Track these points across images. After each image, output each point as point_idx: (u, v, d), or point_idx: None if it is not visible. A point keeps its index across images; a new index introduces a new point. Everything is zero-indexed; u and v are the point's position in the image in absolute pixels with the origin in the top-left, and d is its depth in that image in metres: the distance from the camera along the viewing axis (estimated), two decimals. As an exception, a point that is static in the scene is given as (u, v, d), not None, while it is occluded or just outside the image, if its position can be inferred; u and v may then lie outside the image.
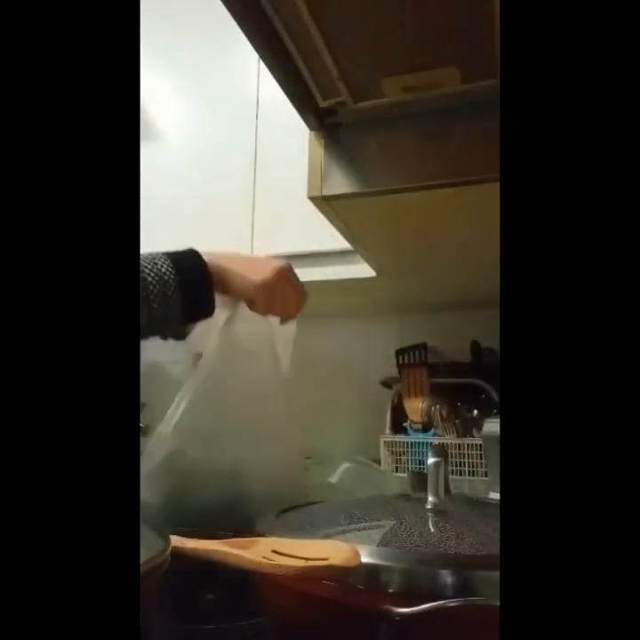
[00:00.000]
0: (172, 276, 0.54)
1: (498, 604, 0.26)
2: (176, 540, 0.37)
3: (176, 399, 0.61)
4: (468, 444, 1.22)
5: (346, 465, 0.92)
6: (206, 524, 0.58)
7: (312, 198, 0.81)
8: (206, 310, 0.58)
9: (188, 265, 0.56)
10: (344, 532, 0.45)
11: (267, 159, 1.45)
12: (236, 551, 0.37)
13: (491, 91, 0.66)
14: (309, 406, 1.61)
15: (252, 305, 0.62)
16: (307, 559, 0.35)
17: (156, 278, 0.53)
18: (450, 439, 1.25)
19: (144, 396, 0.52)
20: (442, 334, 1.58)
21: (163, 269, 0.53)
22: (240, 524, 0.59)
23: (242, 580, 0.43)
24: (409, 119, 0.75)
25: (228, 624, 0.50)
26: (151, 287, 0.52)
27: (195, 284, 0.56)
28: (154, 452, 0.59)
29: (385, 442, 1.34)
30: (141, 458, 0.58)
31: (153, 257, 0.54)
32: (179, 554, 0.37)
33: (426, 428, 1.31)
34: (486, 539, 0.42)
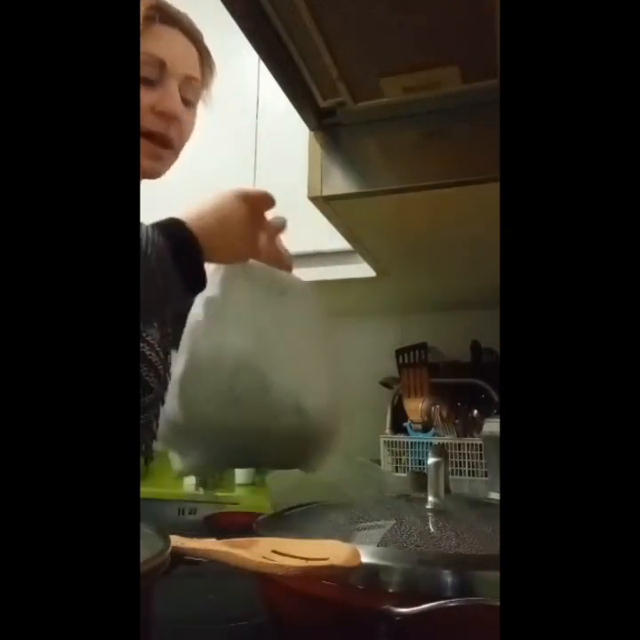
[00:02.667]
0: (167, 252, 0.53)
1: (498, 604, 0.26)
2: (176, 540, 0.37)
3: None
4: (467, 444, 1.22)
5: (346, 465, 0.92)
6: (268, 457, 0.59)
7: (312, 198, 0.81)
8: (201, 284, 0.57)
9: (179, 239, 0.55)
10: (344, 532, 0.45)
11: (267, 159, 1.45)
12: (236, 551, 0.37)
13: (491, 91, 0.66)
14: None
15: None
16: (307, 559, 0.35)
17: (154, 255, 0.52)
18: (450, 439, 1.25)
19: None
20: (442, 334, 1.58)
21: (159, 246, 0.52)
22: (300, 460, 0.61)
23: (242, 580, 0.43)
24: (409, 119, 0.75)
25: (227, 624, 0.50)
26: (153, 263, 0.52)
27: (188, 258, 0.55)
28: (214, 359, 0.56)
29: (385, 442, 1.34)
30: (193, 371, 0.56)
31: (146, 231, 0.53)
32: (179, 554, 0.37)
33: (426, 427, 1.31)
34: (486, 539, 0.42)
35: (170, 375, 0.79)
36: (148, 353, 0.71)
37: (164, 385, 0.77)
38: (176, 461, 0.60)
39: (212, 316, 0.57)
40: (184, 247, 0.54)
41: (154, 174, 0.68)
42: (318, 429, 0.59)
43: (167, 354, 0.78)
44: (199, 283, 0.56)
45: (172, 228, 0.55)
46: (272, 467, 0.63)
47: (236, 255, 0.60)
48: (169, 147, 0.67)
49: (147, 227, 0.54)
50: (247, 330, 0.57)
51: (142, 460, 0.76)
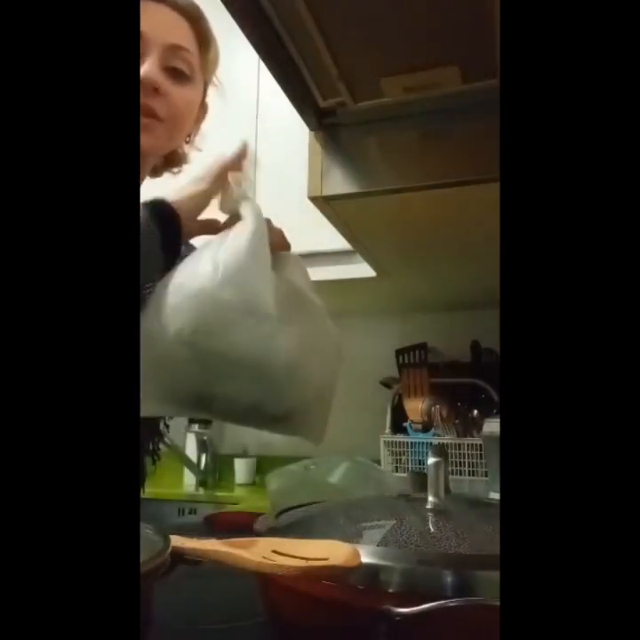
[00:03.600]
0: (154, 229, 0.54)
1: (498, 604, 0.26)
2: (176, 540, 0.37)
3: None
4: (468, 444, 1.22)
5: (346, 465, 0.92)
6: (236, 415, 0.53)
7: (312, 198, 0.81)
8: (176, 253, 0.56)
9: (165, 216, 0.56)
10: (344, 532, 0.45)
11: (267, 159, 1.45)
12: (236, 551, 0.37)
13: (491, 91, 0.66)
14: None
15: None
16: (307, 559, 0.35)
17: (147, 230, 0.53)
18: (450, 439, 1.25)
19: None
20: (442, 334, 1.58)
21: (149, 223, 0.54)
22: (268, 419, 0.54)
23: (242, 580, 0.43)
24: (409, 119, 0.75)
25: (228, 624, 0.50)
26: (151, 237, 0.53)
27: (169, 232, 0.56)
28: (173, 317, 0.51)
29: (385, 442, 1.34)
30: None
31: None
32: (179, 554, 0.37)
33: (426, 427, 1.31)
34: (486, 539, 0.42)
35: None
36: None
37: None
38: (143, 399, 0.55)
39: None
40: (162, 212, 0.56)
41: (145, 148, 0.66)
42: (300, 378, 0.54)
43: None
44: (175, 245, 0.57)
45: (152, 202, 0.56)
46: (247, 418, 0.55)
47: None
48: (152, 116, 0.65)
49: None
50: (209, 256, 0.54)
51: (150, 460, 0.75)
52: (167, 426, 0.75)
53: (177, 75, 0.66)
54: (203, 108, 0.76)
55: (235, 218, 0.58)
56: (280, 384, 0.53)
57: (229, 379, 0.52)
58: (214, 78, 0.75)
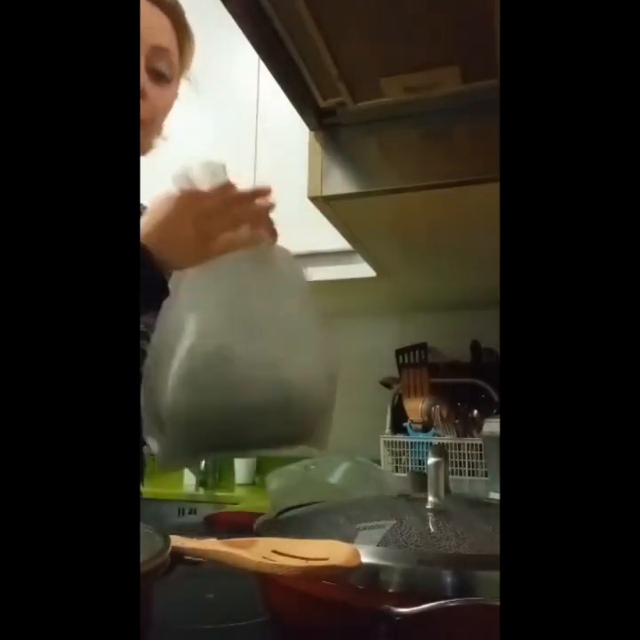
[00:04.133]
0: None
1: (498, 604, 0.26)
2: (176, 540, 0.37)
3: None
4: (468, 444, 1.22)
5: (346, 465, 0.92)
6: (251, 435, 0.55)
7: (312, 198, 0.81)
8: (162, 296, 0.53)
9: None
10: (344, 532, 0.45)
11: (267, 159, 1.45)
12: (236, 551, 0.37)
13: (491, 91, 0.66)
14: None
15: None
16: (307, 559, 0.35)
17: None
18: (450, 439, 1.25)
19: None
20: (442, 334, 1.58)
21: None
22: (286, 433, 0.56)
23: (242, 580, 0.43)
24: (409, 119, 0.75)
25: (227, 624, 0.50)
26: None
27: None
28: (188, 349, 0.52)
29: (385, 442, 1.34)
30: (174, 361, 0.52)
31: None
32: (179, 554, 0.37)
33: (426, 427, 1.32)
34: (486, 539, 0.42)
35: None
36: (142, 342, 0.71)
37: None
38: (157, 454, 0.57)
39: (174, 295, 0.54)
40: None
41: None
42: (304, 402, 0.55)
43: None
44: (159, 290, 0.53)
45: None
46: (259, 447, 0.59)
47: (195, 257, 0.54)
48: None
49: None
50: (207, 303, 0.54)
51: (147, 451, 0.75)
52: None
53: (159, 77, 0.66)
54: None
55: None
56: (291, 414, 0.55)
57: (250, 426, 0.54)
58: (188, 73, 0.74)
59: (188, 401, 0.52)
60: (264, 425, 0.54)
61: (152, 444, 0.58)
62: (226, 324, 0.53)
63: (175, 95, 0.71)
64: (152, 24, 0.65)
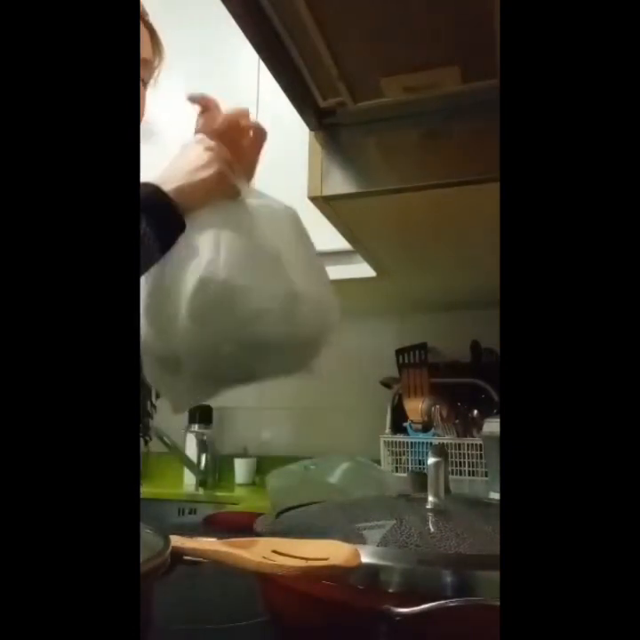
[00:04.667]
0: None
1: (498, 604, 0.26)
2: (176, 540, 0.37)
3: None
4: (468, 444, 1.22)
5: (346, 465, 0.92)
6: (263, 366, 0.57)
7: (312, 198, 0.81)
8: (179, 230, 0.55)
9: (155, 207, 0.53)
10: (344, 532, 0.45)
11: (267, 159, 1.45)
12: (236, 551, 0.37)
13: (491, 91, 0.66)
14: (309, 406, 1.61)
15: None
16: (307, 559, 0.35)
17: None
18: (450, 439, 1.25)
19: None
20: (442, 334, 1.58)
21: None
22: (294, 362, 0.58)
23: (242, 580, 0.43)
24: (409, 119, 0.75)
25: (228, 624, 0.50)
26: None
27: (163, 221, 0.53)
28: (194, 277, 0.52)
29: (385, 442, 1.34)
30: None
31: None
32: (179, 554, 0.37)
33: (426, 427, 1.31)
34: (486, 539, 0.42)
35: None
36: None
37: None
38: (168, 397, 0.58)
39: (182, 239, 0.55)
40: (152, 197, 0.54)
41: None
42: (313, 333, 0.58)
43: None
44: (176, 224, 0.54)
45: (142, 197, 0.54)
46: (268, 377, 0.60)
47: (207, 197, 0.57)
48: None
49: None
50: (214, 239, 0.54)
51: (142, 443, 0.76)
52: (154, 406, 0.76)
53: (143, 85, 0.72)
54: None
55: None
56: (301, 344, 0.57)
57: (261, 357, 0.55)
58: (152, 82, 0.79)
59: (203, 335, 0.52)
60: (276, 355, 0.55)
61: (163, 390, 0.58)
62: (235, 257, 0.53)
63: (145, 100, 0.77)
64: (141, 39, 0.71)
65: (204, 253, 0.53)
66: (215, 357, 0.54)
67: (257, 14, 0.59)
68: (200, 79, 1.42)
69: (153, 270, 0.54)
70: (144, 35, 0.72)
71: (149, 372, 0.56)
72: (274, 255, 0.56)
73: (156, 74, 0.77)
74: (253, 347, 0.54)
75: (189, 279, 0.52)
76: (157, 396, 0.76)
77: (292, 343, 0.56)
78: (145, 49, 0.73)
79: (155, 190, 0.54)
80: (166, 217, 0.54)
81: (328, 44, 0.62)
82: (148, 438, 0.76)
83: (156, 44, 0.75)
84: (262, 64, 0.67)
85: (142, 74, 0.72)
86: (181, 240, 0.54)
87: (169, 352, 0.54)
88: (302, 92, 0.72)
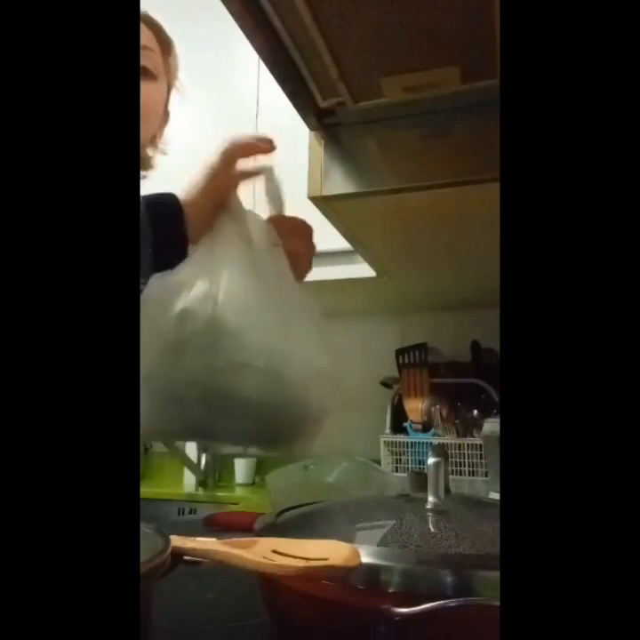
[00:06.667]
0: (146, 228, 0.50)
1: (498, 604, 0.26)
2: (176, 540, 0.37)
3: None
4: (468, 444, 1.22)
5: (345, 464, 0.92)
6: (235, 427, 0.51)
7: (312, 198, 0.81)
8: (178, 256, 0.52)
9: (164, 214, 0.52)
10: (344, 532, 0.45)
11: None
12: (236, 551, 0.37)
13: (491, 91, 0.66)
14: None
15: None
16: (307, 559, 0.35)
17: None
18: (450, 439, 1.25)
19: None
20: (442, 334, 1.58)
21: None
22: (273, 433, 0.51)
23: (242, 580, 0.43)
24: (409, 119, 0.75)
25: (227, 624, 0.50)
26: None
27: (168, 236, 0.51)
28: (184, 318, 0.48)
29: (385, 442, 1.34)
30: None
31: None
32: (179, 554, 0.37)
33: (426, 427, 1.32)
34: (486, 539, 0.42)
35: None
36: None
37: None
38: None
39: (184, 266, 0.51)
40: (160, 209, 0.52)
41: None
42: (301, 404, 0.51)
43: None
44: (173, 245, 0.52)
45: (152, 196, 0.53)
46: (240, 443, 0.56)
47: (206, 228, 0.54)
48: None
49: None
50: (205, 273, 0.50)
51: (142, 449, 0.75)
52: None
53: (143, 72, 0.71)
54: (166, 112, 0.80)
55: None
56: (284, 414, 0.50)
57: (235, 417, 0.50)
58: (177, 82, 0.79)
59: (171, 369, 0.48)
60: (250, 418, 0.50)
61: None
62: (223, 297, 0.49)
63: (163, 98, 0.76)
64: None
65: (191, 286, 0.49)
66: (181, 398, 0.49)
67: (257, 14, 0.59)
68: (200, 79, 1.42)
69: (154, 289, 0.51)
70: (147, 30, 0.73)
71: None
72: (263, 304, 0.51)
73: (171, 76, 0.77)
74: (226, 400, 0.49)
75: (172, 308, 0.49)
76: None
77: (271, 412, 0.50)
78: (144, 37, 0.72)
79: (173, 198, 0.54)
80: (174, 224, 0.52)
81: (328, 44, 0.62)
82: (148, 446, 0.76)
83: (161, 37, 0.75)
84: (262, 64, 0.67)
85: (144, 62, 0.71)
86: (183, 266, 0.51)
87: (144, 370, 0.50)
88: (302, 92, 0.72)
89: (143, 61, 0.71)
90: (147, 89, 0.72)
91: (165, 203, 0.53)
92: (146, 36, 0.73)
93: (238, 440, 0.54)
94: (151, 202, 0.52)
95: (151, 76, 0.73)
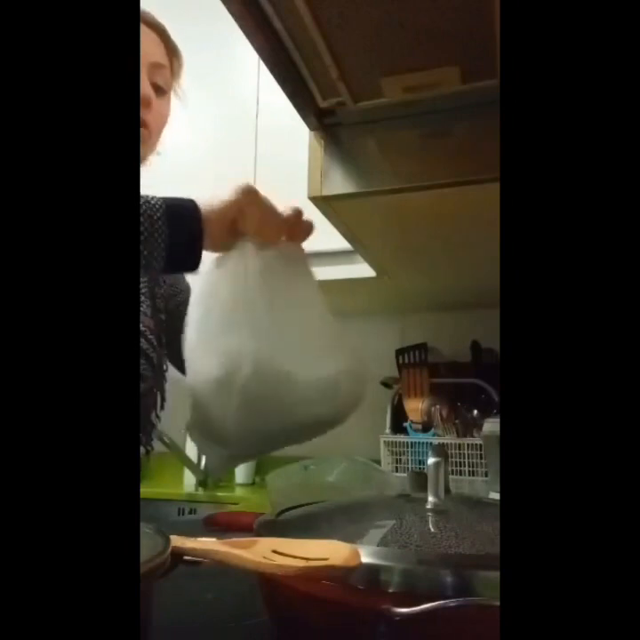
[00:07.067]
0: (162, 226, 0.52)
1: (498, 604, 0.26)
2: (176, 540, 0.37)
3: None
4: (468, 444, 1.22)
5: (345, 464, 0.92)
6: (299, 439, 0.59)
7: (312, 198, 0.81)
8: (192, 266, 0.56)
9: (183, 217, 0.54)
10: (344, 532, 0.45)
11: (267, 159, 1.45)
12: (236, 551, 0.37)
13: (491, 91, 0.66)
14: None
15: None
16: (307, 559, 0.35)
17: (147, 222, 0.52)
18: (450, 439, 1.25)
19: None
20: (442, 334, 1.58)
21: (155, 217, 0.52)
22: (328, 428, 0.59)
23: (242, 580, 0.43)
24: (409, 119, 0.75)
25: (228, 624, 0.50)
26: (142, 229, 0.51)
27: (185, 237, 0.54)
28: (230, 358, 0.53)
29: (385, 442, 1.34)
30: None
31: (148, 201, 0.53)
32: (179, 554, 0.37)
33: (426, 428, 1.32)
34: (486, 539, 0.42)
35: (166, 363, 0.79)
36: (141, 343, 0.71)
37: (159, 374, 0.77)
38: (208, 460, 0.62)
39: (215, 320, 0.55)
40: (178, 211, 0.54)
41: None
42: (348, 410, 0.61)
43: (161, 342, 0.77)
44: (194, 256, 0.55)
45: (180, 200, 0.56)
46: (306, 440, 0.62)
47: (220, 246, 0.57)
48: (145, 127, 0.74)
49: (154, 197, 0.54)
50: (252, 321, 0.54)
51: (143, 451, 0.76)
52: (158, 417, 0.76)
53: (158, 89, 0.75)
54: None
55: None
56: (336, 422, 0.60)
57: (299, 435, 0.58)
58: (177, 88, 0.83)
59: (250, 423, 0.55)
60: (318, 428, 0.59)
61: (205, 452, 0.62)
62: (278, 344, 0.54)
63: (169, 109, 0.80)
64: (149, 43, 0.75)
65: (247, 343, 0.53)
66: (260, 439, 0.57)
67: (257, 14, 0.59)
68: (200, 79, 1.42)
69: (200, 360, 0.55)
70: (155, 38, 0.75)
71: (195, 433, 0.58)
72: (306, 334, 0.57)
73: (175, 84, 0.80)
74: (297, 428, 0.57)
75: (238, 372, 0.52)
76: (162, 407, 0.76)
77: (331, 418, 0.58)
78: (158, 53, 0.76)
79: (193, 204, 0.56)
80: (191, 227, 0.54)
81: (328, 44, 0.62)
82: (149, 448, 0.77)
83: (169, 47, 0.78)
84: (262, 64, 0.67)
85: (158, 80, 0.75)
86: (226, 324, 0.55)
87: (217, 429, 0.55)
88: (302, 92, 0.72)
89: (158, 79, 0.74)
90: (161, 104, 0.76)
91: (184, 205, 0.56)
92: (155, 46, 0.75)
93: (306, 439, 0.60)
94: (170, 203, 0.54)
95: (163, 92, 0.76)
